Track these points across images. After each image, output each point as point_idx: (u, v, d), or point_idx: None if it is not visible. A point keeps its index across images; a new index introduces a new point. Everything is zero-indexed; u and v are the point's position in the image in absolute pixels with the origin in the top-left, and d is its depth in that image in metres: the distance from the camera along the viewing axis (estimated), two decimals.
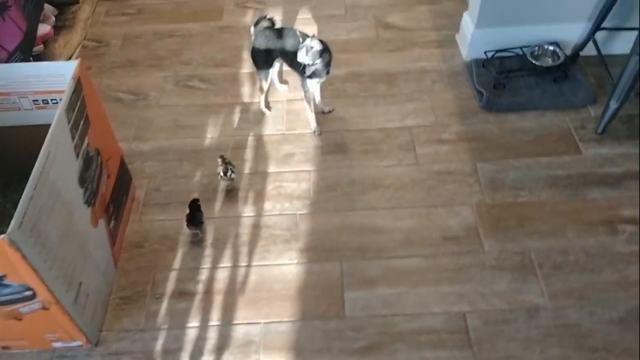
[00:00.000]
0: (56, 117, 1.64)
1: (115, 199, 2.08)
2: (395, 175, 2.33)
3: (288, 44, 2.37)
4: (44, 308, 1.64)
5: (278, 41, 2.41)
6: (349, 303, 1.95)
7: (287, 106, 2.65)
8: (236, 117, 2.62)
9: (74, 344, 1.84)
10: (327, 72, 2.39)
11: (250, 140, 2.51)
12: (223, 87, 2.77)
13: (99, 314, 1.92)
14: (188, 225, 2.13)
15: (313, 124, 2.50)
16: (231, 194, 2.29)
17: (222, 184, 2.31)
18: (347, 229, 2.16)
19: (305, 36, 2.33)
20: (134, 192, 2.31)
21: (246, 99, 2.70)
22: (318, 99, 2.57)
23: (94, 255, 1.86)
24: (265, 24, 2.49)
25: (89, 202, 1.84)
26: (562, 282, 1.97)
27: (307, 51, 2.24)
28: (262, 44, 2.44)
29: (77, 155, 1.77)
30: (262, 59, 2.48)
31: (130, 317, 1.94)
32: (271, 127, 2.55)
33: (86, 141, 1.84)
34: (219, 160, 2.26)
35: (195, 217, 2.13)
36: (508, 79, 2.63)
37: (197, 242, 2.14)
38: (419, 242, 2.11)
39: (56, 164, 1.61)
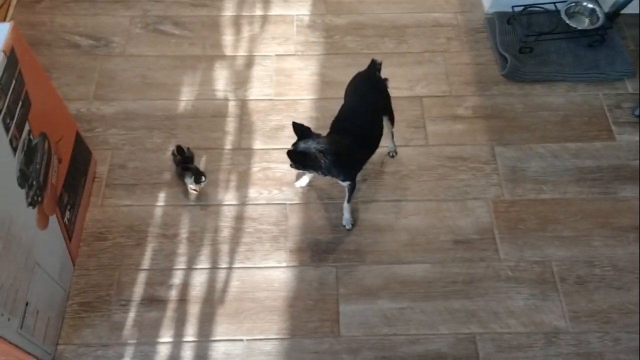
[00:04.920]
0: None
1: (70, 186, 1.74)
2: (402, 159, 2.01)
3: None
4: None
5: None
6: (344, 318, 1.70)
7: (277, 63, 2.24)
8: (216, 74, 2.21)
9: None
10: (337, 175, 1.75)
11: (232, 106, 2.13)
12: (201, 34, 2.33)
13: (54, 327, 1.64)
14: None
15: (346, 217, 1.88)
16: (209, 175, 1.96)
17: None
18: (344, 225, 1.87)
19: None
20: (95, 168, 1.95)
21: (228, 51, 2.28)
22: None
23: (44, 264, 1.55)
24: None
25: (34, 202, 1.50)
26: (585, 301, 1.74)
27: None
28: None
29: (15, 150, 1.40)
30: None
31: (91, 328, 1.67)
32: (257, 91, 2.17)
33: (26, 128, 1.46)
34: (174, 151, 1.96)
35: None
36: (537, 42, 2.25)
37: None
38: (425, 245, 1.84)
39: None
